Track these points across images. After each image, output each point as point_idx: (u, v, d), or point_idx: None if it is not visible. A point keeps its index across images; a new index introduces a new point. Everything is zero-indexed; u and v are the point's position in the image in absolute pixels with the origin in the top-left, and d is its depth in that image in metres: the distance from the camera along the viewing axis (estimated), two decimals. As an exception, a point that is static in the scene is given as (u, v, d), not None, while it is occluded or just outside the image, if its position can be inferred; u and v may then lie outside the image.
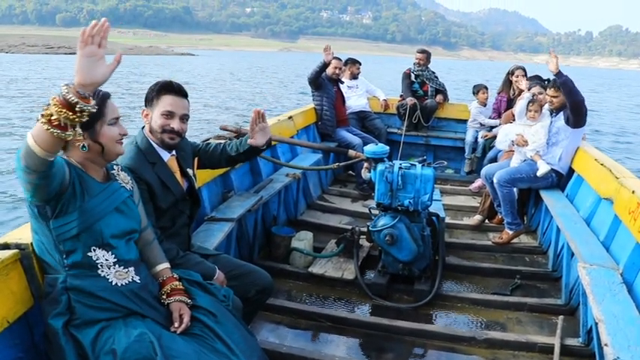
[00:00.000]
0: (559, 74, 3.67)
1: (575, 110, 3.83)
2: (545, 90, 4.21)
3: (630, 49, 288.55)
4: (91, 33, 1.39)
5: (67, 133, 1.39)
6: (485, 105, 6.11)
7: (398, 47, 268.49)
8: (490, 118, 5.94)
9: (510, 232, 4.10)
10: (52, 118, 1.36)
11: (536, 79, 4.80)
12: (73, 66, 1.40)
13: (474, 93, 6.22)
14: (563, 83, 3.71)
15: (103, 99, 1.74)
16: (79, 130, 1.42)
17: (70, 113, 1.37)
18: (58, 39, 70.60)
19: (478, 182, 5.40)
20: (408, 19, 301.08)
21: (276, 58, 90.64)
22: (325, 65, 5.34)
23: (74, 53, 1.45)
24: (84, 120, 1.41)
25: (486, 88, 6.19)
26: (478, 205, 4.80)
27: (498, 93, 5.82)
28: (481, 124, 6.07)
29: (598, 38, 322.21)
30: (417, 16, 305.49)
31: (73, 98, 1.36)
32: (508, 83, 5.59)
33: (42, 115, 1.37)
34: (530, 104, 4.19)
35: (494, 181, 4.07)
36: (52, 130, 1.36)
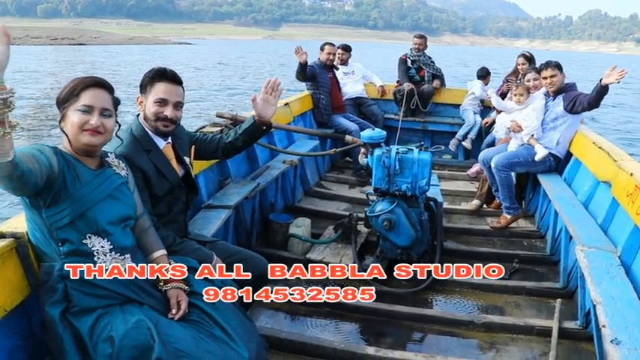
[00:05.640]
0: (607, 88, 3.60)
1: (586, 109, 3.82)
2: (540, 74, 4.18)
3: (609, 33, 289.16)
4: None
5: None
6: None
7: (380, 33, 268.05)
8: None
9: (508, 217, 4.10)
10: None
11: (534, 64, 4.82)
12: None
13: (479, 76, 6.26)
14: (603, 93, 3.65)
15: (84, 86, 1.69)
16: (12, 121, 1.30)
17: None
18: (62, 30, 70.37)
19: (476, 167, 5.41)
20: (390, 6, 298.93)
21: (268, 46, 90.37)
22: (302, 65, 5.19)
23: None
24: (9, 108, 1.28)
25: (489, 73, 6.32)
26: (476, 189, 4.80)
27: (507, 76, 5.88)
28: (481, 101, 6.12)
29: (578, 22, 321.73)
30: (398, 2, 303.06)
31: None
32: (517, 69, 5.70)
33: None
34: (515, 88, 4.24)
35: (492, 165, 4.06)
36: None
